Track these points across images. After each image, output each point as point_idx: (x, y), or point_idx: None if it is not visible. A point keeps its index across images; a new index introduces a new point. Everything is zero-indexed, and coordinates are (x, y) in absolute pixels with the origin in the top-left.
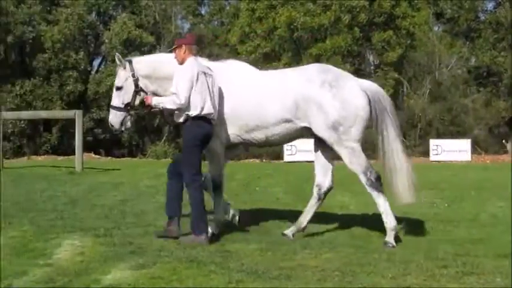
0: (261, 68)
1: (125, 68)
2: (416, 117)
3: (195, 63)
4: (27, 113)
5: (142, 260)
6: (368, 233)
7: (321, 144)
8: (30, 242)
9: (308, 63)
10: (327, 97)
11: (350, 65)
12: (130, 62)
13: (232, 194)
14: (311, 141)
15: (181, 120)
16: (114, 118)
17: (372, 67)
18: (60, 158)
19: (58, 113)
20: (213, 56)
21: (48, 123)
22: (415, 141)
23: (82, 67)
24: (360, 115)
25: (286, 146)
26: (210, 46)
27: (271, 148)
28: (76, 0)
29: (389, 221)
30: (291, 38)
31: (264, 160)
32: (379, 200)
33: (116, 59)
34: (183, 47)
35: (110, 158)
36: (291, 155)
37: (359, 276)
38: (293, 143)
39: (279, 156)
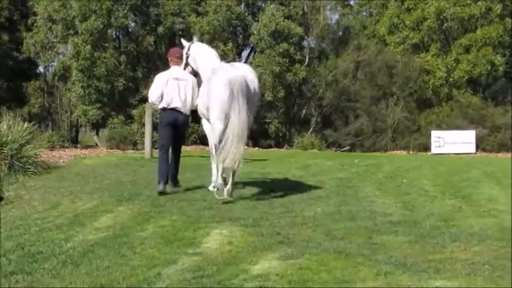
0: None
1: (186, 47)
2: None
3: (168, 72)
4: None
5: (291, 250)
6: None
7: None
8: (180, 231)
9: (457, 54)
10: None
11: (501, 56)
12: (192, 43)
13: (379, 186)
14: (459, 132)
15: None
16: None
17: None
18: (208, 147)
19: None
20: (361, 48)
21: (197, 114)
22: None
23: (231, 58)
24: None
25: (433, 138)
26: (358, 37)
27: (418, 139)
28: None
29: None
30: (440, 29)
31: (411, 152)
32: None
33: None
34: (169, 59)
35: (257, 148)
36: (439, 147)
37: (510, 271)
38: (441, 134)
39: (426, 147)
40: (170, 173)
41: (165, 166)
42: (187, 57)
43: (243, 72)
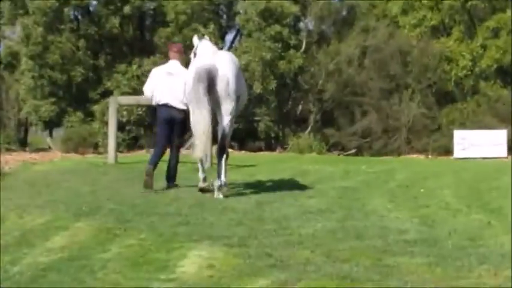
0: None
1: (195, 46)
2: None
3: (164, 66)
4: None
5: (284, 275)
6: None
7: None
8: (150, 252)
9: (483, 38)
10: None
11: None
12: (200, 41)
13: (391, 197)
14: (487, 132)
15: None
16: None
17: None
18: (185, 151)
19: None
20: (369, 30)
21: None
22: None
23: (212, 43)
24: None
25: (456, 139)
26: (365, 18)
27: (439, 141)
28: None
29: None
30: (464, 8)
31: (429, 156)
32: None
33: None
34: (169, 52)
35: (243, 151)
36: (463, 149)
37: None
38: (465, 134)
39: (448, 150)
40: (168, 174)
41: (158, 159)
42: (194, 57)
43: (214, 62)
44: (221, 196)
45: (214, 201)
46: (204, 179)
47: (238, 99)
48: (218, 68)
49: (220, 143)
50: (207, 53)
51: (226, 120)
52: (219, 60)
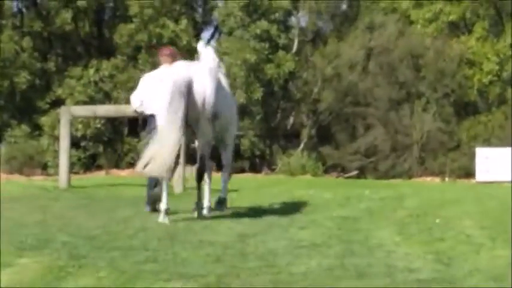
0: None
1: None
2: None
3: (154, 72)
4: (106, 108)
5: None
6: None
7: None
8: None
9: None
10: None
11: None
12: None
13: (400, 228)
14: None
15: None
16: None
17: None
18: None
19: None
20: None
21: (134, 124)
22: None
23: (185, 42)
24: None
25: (479, 159)
26: (370, 13)
27: (457, 161)
28: None
29: None
30: (489, 1)
31: (446, 179)
32: None
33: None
34: (159, 57)
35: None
36: (487, 171)
37: None
38: (490, 153)
39: (469, 173)
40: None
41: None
42: None
43: (191, 75)
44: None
45: (188, 233)
46: (166, 211)
47: (216, 116)
48: (194, 82)
49: (199, 166)
50: (185, 64)
51: (201, 139)
52: (197, 73)
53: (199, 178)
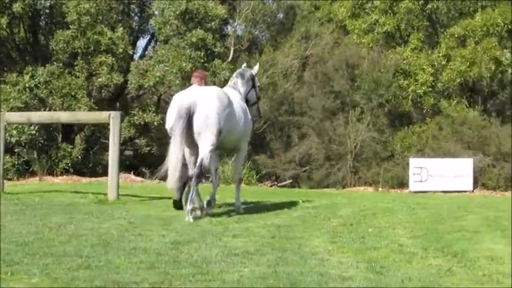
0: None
1: None
2: None
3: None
4: (40, 114)
5: None
6: None
7: None
8: None
9: (448, 47)
10: None
11: (511, 51)
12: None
13: (333, 237)
14: (450, 161)
15: None
16: None
17: None
18: (86, 180)
19: (84, 116)
20: (311, 37)
21: (69, 130)
22: None
23: (121, 50)
24: None
25: (413, 169)
26: (306, 22)
27: (391, 171)
28: None
29: None
30: (424, 12)
31: (380, 189)
32: None
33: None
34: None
35: (157, 181)
36: (420, 181)
37: None
38: (424, 163)
39: (403, 182)
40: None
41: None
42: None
43: (195, 98)
44: (191, 219)
45: (121, 240)
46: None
47: (220, 131)
48: (198, 105)
49: (196, 171)
50: (194, 88)
51: (204, 150)
52: (201, 96)
53: (196, 181)
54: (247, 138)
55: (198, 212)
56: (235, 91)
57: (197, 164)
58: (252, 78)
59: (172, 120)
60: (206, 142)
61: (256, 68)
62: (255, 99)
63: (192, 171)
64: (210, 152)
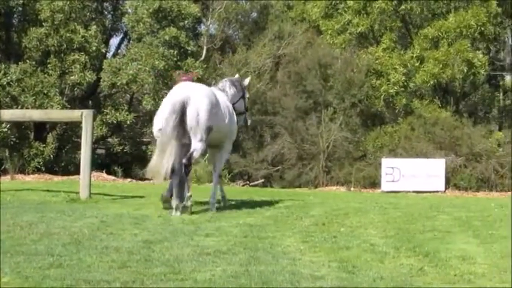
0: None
1: None
2: None
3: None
4: (12, 112)
5: None
6: None
7: None
8: None
9: (421, 48)
10: None
11: (483, 54)
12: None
13: (305, 236)
14: (422, 162)
15: None
16: None
17: None
18: (58, 178)
19: (57, 114)
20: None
21: (41, 128)
22: None
23: (94, 48)
24: None
25: (385, 169)
26: (279, 21)
27: (363, 171)
28: None
29: None
30: (397, 13)
31: (352, 189)
32: None
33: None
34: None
35: (129, 180)
36: (392, 181)
37: None
38: (396, 163)
39: (375, 182)
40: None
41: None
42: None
43: (189, 94)
44: (178, 214)
45: (93, 239)
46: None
47: (210, 128)
48: (191, 101)
49: (185, 161)
50: (186, 84)
51: (194, 143)
52: (193, 93)
53: (185, 172)
54: (233, 138)
55: (182, 206)
56: (222, 93)
57: (187, 155)
58: (242, 88)
59: (162, 121)
60: (196, 136)
61: (247, 80)
62: (243, 109)
63: (177, 165)
64: (200, 146)
